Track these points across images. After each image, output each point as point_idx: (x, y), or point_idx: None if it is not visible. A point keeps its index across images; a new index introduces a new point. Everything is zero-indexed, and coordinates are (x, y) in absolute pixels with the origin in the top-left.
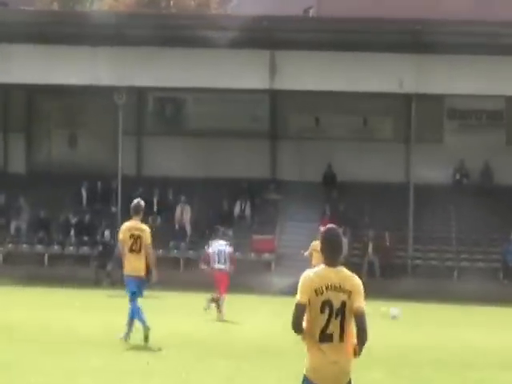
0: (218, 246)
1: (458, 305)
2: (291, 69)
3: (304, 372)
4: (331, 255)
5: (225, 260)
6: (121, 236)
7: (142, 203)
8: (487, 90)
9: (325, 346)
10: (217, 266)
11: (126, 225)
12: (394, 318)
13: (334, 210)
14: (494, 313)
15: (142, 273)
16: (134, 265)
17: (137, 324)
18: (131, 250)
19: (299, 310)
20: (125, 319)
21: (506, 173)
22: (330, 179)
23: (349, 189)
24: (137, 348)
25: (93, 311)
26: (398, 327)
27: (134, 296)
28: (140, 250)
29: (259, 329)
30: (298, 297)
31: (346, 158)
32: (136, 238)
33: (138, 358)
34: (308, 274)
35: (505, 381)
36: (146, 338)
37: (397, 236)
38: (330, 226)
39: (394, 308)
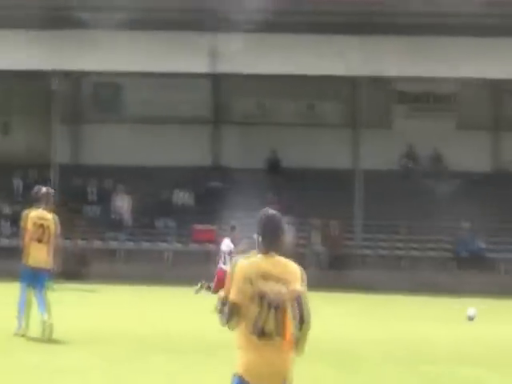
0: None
1: (408, 296)
2: (233, 52)
3: (236, 370)
4: (268, 242)
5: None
6: (24, 224)
7: (47, 190)
8: (438, 72)
9: (260, 343)
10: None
11: (30, 213)
12: (471, 319)
13: (278, 197)
14: (446, 304)
15: (48, 265)
16: (37, 255)
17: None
18: (36, 240)
19: (230, 308)
20: (60, 312)
21: (456, 158)
22: (274, 166)
23: (294, 175)
24: (72, 344)
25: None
26: (346, 320)
27: (35, 287)
28: (46, 241)
29: (201, 322)
30: (230, 291)
31: (292, 143)
32: (41, 228)
33: (73, 355)
34: (241, 262)
35: (461, 375)
36: (46, 332)
37: (345, 225)
38: (268, 209)
39: (472, 308)
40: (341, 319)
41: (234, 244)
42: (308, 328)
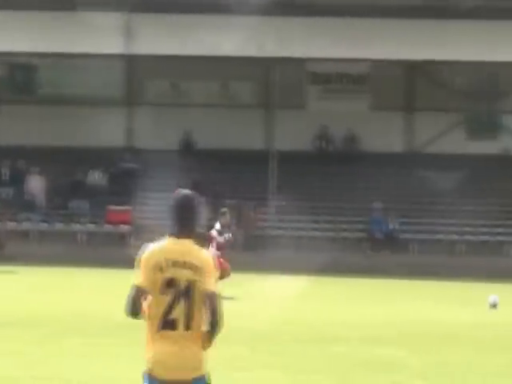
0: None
1: (321, 277)
2: (147, 33)
3: (144, 368)
4: (179, 225)
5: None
6: None
7: None
8: (350, 53)
9: (167, 334)
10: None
11: None
12: (494, 305)
13: (192, 178)
14: (358, 285)
15: None
16: None
17: None
18: None
19: (135, 293)
20: None
21: (369, 139)
22: (188, 147)
23: (208, 156)
24: None
25: None
26: (255, 302)
27: None
28: None
29: (115, 304)
30: (137, 277)
31: (206, 124)
32: None
33: None
34: (150, 247)
35: (365, 354)
36: None
37: (259, 206)
38: (181, 190)
39: (494, 296)
40: (254, 300)
41: (223, 231)
42: (219, 329)
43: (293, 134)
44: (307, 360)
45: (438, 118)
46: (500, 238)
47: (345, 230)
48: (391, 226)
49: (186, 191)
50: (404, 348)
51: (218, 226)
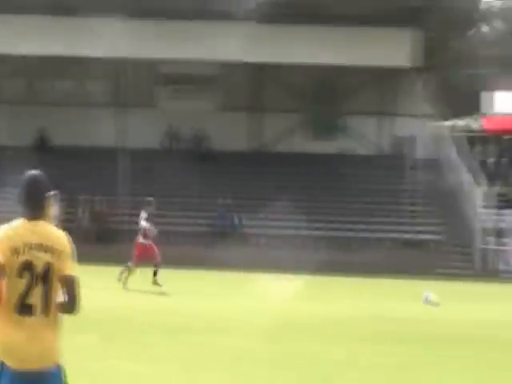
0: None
1: (166, 269)
2: (3, 33)
3: None
4: (30, 206)
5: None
6: None
7: None
8: (197, 55)
9: (23, 320)
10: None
11: None
12: (428, 302)
13: (46, 175)
14: (203, 277)
15: None
16: None
17: None
18: None
19: None
20: None
21: (218, 138)
22: (42, 144)
23: (63, 153)
24: None
25: None
26: (113, 291)
27: None
28: None
29: None
30: None
31: (61, 122)
32: None
33: None
34: (4, 229)
35: (213, 344)
36: None
37: (111, 201)
38: (29, 172)
39: (428, 292)
40: (108, 291)
41: (150, 218)
42: (75, 313)
43: (143, 132)
44: (156, 349)
45: (282, 119)
46: (337, 233)
47: (191, 224)
48: (236, 221)
49: (34, 172)
50: (253, 339)
51: (144, 214)
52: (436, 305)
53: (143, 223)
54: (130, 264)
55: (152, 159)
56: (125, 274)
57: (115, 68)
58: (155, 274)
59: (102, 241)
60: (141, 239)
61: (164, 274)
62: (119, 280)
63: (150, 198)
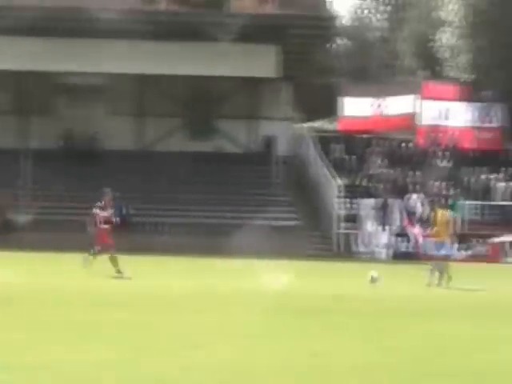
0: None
1: (58, 254)
2: None
3: None
4: None
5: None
6: None
7: None
8: (90, 67)
9: None
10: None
11: None
12: (374, 280)
13: None
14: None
15: None
16: None
17: None
18: None
19: None
20: None
21: (108, 139)
22: None
23: None
24: None
25: None
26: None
27: None
28: None
29: None
30: None
31: None
32: None
33: None
34: None
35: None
36: None
37: (12, 194)
38: None
39: (374, 271)
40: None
41: (106, 207)
42: None
43: (43, 135)
44: (66, 322)
45: (163, 122)
46: (215, 220)
47: (85, 214)
48: (124, 211)
49: None
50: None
51: (99, 203)
52: (379, 281)
53: (97, 211)
54: (93, 250)
55: (50, 158)
56: (89, 261)
57: (17, 79)
58: (94, 255)
59: (4, 231)
60: (100, 225)
61: (53, 257)
62: (85, 267)
63: (107, 189)
